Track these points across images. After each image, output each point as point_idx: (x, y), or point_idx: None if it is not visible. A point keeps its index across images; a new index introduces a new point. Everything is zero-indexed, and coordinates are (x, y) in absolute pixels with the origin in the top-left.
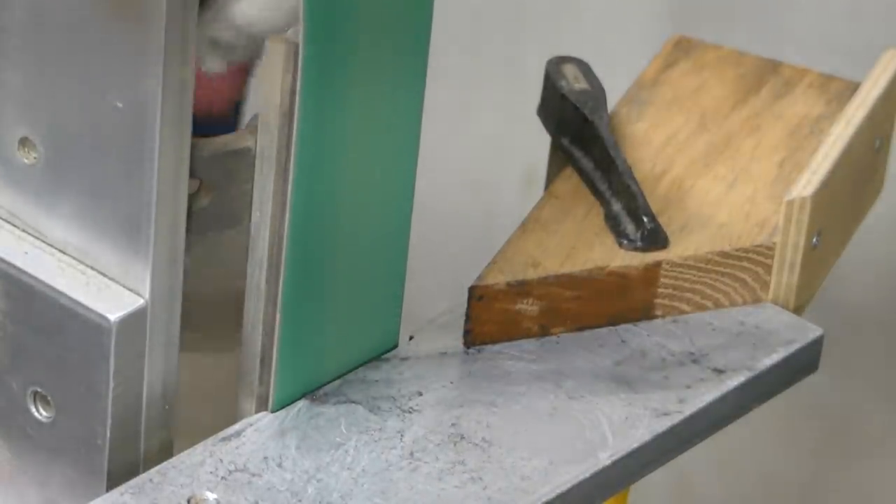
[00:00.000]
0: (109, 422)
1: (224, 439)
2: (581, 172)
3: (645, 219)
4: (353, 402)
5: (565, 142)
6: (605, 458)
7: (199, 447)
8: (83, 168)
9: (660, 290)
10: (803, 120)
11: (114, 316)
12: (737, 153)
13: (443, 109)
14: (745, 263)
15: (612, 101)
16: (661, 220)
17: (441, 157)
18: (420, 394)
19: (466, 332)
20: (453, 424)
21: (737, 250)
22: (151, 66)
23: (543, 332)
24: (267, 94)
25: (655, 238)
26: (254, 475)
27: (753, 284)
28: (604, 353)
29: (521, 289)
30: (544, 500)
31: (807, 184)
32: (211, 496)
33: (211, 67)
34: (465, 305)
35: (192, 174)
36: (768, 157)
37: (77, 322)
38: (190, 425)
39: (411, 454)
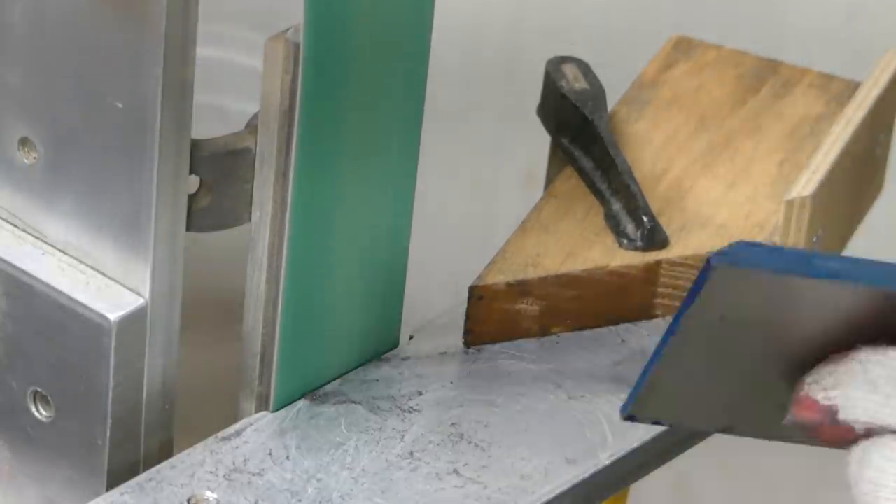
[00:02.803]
0: (109, 422)
1: (224, 439)
2: (581, 172)
3: (645, 218)
4: (353, 402)
5: (565, 141)
6: (605, 458)
7: (199, 447)
8: (83, 168)
9: (660, 289)
10: (803, 120)
11: (114, 316)
12: (736, 153)
13: (443, 109)
14: None
15: (612, 101)
16: (661, 219)
17: (441, 157)
18: (420, 394)
19: (466, 332)
20: (453, 424)
21: None
22: (151, 66)
23: (543, 332)
24: (267, 94)
25: (655, 238)
26: (254, 475)
27: None
28: (604, 353)
29: (521, 289)
30: (544, 500)
31: (806, 183)
32: (211, 496)
33: None
34: (465, 305)
35: (193, 173)
36: (768, 157)
37: (77, 322)
38: (190, 425)
39: (411, 454)
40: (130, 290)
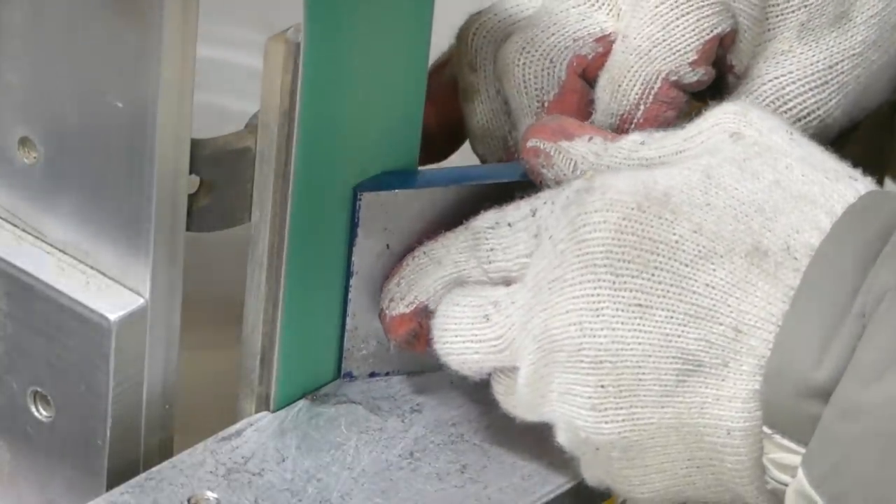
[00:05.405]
0: (109, 422)
1: (224, 439)
2: None
3: None
4: (353, 402)
5: None
6: None
7: (199, 447)
8: (83, 168)
9: None
10: None
11: (114, 316)
12: None
13: None
14: None
15: None
16: None
17: None
18: (420, 393)
19: None
20: (453, 424)
21: None
22: (151, 66)
23: None
24: (267, 94)
25: None
26: (254, 475)
27: None
28: None
29: None
30: (545, 500)
31: None
32: (211, 496)
33: None
34: None
35: (193, 173)
36: None
37: (77, 322)
38: (190, 425)
39: (411, 454)
40: (130, 290)
